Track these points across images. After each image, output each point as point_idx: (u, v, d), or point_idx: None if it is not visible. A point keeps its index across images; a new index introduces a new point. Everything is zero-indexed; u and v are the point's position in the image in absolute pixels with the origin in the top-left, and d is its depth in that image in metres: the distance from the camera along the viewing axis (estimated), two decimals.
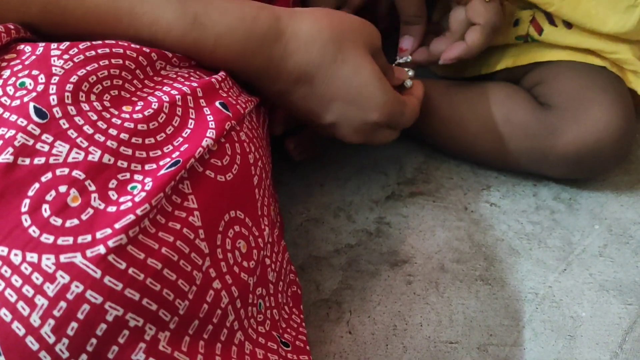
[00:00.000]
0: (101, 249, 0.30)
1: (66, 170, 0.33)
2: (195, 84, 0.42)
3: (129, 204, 0.33)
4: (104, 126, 0.36)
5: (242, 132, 0.43)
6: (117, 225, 0.31)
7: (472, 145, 0.61)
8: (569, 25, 0.59)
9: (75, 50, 0.39)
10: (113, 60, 0.40)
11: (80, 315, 0.29)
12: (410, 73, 0.56)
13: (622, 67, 0.59)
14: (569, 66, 0.59)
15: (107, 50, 0.40)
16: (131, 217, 0.32)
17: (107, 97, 0.38)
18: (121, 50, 0.41)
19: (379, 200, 0.61)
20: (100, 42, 0.40)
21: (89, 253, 0.30)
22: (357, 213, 0.59)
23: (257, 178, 0.43)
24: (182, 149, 0.37)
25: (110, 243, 0.30)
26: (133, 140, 0.36)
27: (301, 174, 0.64)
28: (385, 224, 0.58)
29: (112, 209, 0.33)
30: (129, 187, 0.34)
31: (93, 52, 0.40)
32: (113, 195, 0.34)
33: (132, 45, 0.42)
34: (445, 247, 0.55)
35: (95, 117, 0.36)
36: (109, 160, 0.35)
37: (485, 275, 0.53)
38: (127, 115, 0.37)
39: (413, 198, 0.61)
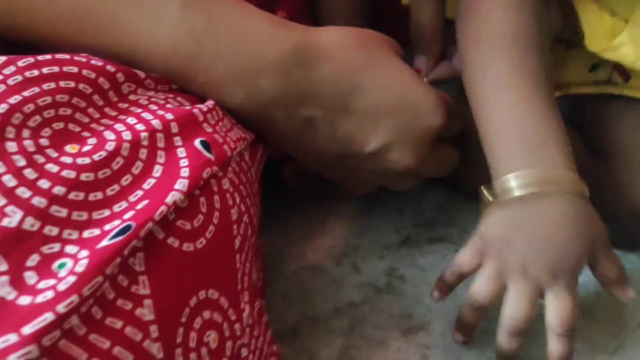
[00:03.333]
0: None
1: None
2: (170, 116, 0.32)
3: (50, 293, 0.24)
4: (33, 175, 0.27)
5: (226, 178, 0.33)
6: (26, 330, 0.22)
7: None
8: None
9: (13, 68, 0.30)
10: (62, 83, 0.31)
11: None
12: None
13: None
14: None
15: (56, 69, 0.31)
16: (49, 317, 0.23)
17: (46, 132, 0.29)
18: (75, 69, 0.32)
19: (391, 245, 0.52)
20: (48, 56, 0.31)
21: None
22: (364, 261, 0.50)
23: (239, 239, 0.33)
24: (139, 206, 0.28)
25: (12, 358, 0.21)
26: (72, 195, 0.27)
27: (299, 207, 0.55)
28: (398, 277, 0.49)
29: (24, 300, 0.24)
30: (55, 265, 0.25)
31: (36, 72, 0.30)
32: (31, 278, 0.24)
33: (92, 62, 0.33)
34: None
35: (22, 163, 0.27)
36: (32, 225, 0.25)
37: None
38: (70, 160, 0.28)
39: (432, 245, 0.52)
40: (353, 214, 0.55)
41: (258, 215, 0.39)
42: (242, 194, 0.35)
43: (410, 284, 0.48)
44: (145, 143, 0.30)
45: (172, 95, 0.36)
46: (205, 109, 0.35)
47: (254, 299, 0.36)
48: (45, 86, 0.30)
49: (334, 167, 0.46)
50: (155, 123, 0.32)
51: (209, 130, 0.34)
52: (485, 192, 0.41)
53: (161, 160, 0.31)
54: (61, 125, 0.30)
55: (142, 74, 0.35)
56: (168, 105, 0.34)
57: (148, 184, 0.29)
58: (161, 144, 0.31)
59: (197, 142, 0.32)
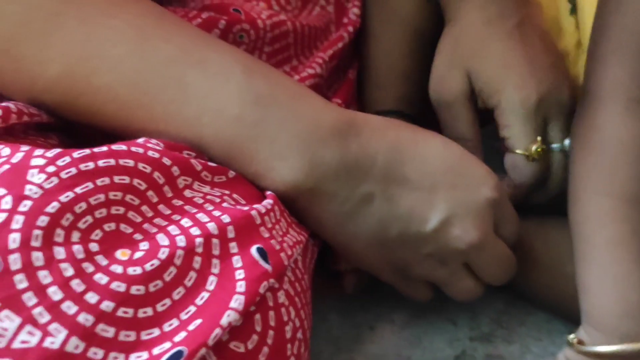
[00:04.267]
0: None
1: None
2: (227, 218, 0.30)
3: None
4: (81, 287, 0.24)
5: (282, 290, 0.31)
6: None
7: (575, 298, 0.47)
8: None
9: (67, 160, 0.28)
10: (116, 179, 0.29)
11: None
12: None
13: None
14: None
15: (112, 162, 0.29)
16: None
17: (97, 234, 0.27)
18: (131, 163, 0.30)
19: (444, 359, 0.47)
20: (105, 148, 0.29)
21: None
22: None
23: (293, 359, 0.30)
24: (191, 326, 0.25)
25: None
26: (120, 312, 0.24)
27: (346, 310, 0.52)
28: None
29: None
30: None
31: (91, 165, 0.28)
32: None
33: (149, 154, 0.31)
34: None
35: (70, 272, 0.24)
36: (76, 347, 0.23)
37: None
38: (121, 269, 0.25)
39: None
40: (404, 321, 0.51)
41: (310, 327, 0.36)
42: (296, 307, 0.32)
43: None
44: (199, 250, 0.28)
45: (228, 192, 0.34)
46: (263, 210, 0.33)
47: None
48: (99, 182, 0.28)
49: (387, 257, 0.42)
50: (211, 227, 0.29)
51: (266, 235, 0.32)
52: (570, 339, 0.40)
53: (215, 270, 0.28)
54: (113, 226, 0.28)
55: (198, 166, 0.33)
56: (224, 205, 0.32)
57: (201, 299, 0.27)
58: (216, 251, 0.29)
59: (253, 250, 0.30)
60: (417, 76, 0.60)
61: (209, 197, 0.32)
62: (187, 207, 0.31)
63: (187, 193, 0.32)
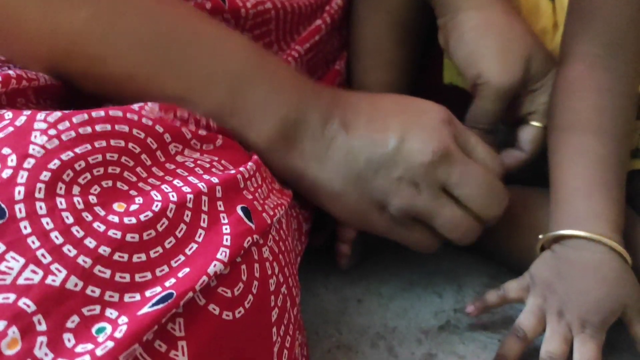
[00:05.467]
0: None
1: (11, 297, 0.24)
2: (215, 180, 0.32)
3: (87, 358, 0.23)
4: (80, 233, 0.26)
5: (266, 246, 0.33)
6: None
7: None
8: None
9: (67, 124, 0.30)
10: (112, 142, 0.31)
11: None
12: None
13: None
14: None
15: (109, 127, 0.31)
16: None
17: (95, 189, 0.29)
18: (126, 128, 0.32)
19: (429, 330, 0.49)
20: (102, 112, 0.32)
21: None
22: (401, 345, 0.48)
23: (277, 311, 0.32)
24: (180, 274, 0.27)
25: None
26: (116, 256, 0.26)
27: (335, 284, 0.54)
28: None
29: None
30: (94, 329, 0.24)
31: (89, 129, 0.31)
32: (69, 340, 0.24)
33: (143, 121, 0.33)
34: None
35: (70, 220, 0.27)
36: (75, 285, 0.25)
37: None
38: (117, 219, 0.27)
39: (473, 332, 0.49)
40: (391, 294, 0.53)
41: (297, 286, 0.38)
42: (280, 264, 0.34)
43: None
44: (190, 205, 0.30)
45: (216, 159, 0.36)
46: (247, 174, 0.35)
47: None
48: (97, 144, 0.30)
49: (366, 192, 0.44)
50: (201, 186, 0.31)
51: (249, 197, 0.34)
52: (540, 237, 0.47)
53: (204, 224, 0.30)
54: (110, 183, 0.30)
55: (188, 134, 0.35)
56: (213, 170, 0.35)
57: (190, 249, 0.29)
58: (205, 208, 0.31)
59: (239, 209, 0.32)
60: (402, 64, 0.63)
61: (199, 162, 0.34)
62: (179, 171, 0.33)
63: (179, 158, 0.34)
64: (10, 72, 0.35)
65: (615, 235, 0.44)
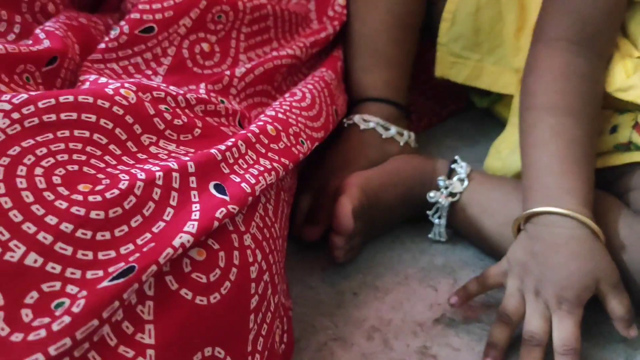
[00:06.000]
0: None
1: None
2: (187, 158, 0.32)
3: (43, 332, 0.22)
4: (41, 211, 0.26)
5: (248, 233, 0.32)
6: None
7: None
8: None
9: (32, 108, 0.30)
10: (76, 132, 0.30)
11: None
12: None
13: None
14: None
15: (74, 115, 0.31)
16: (39, 358, 0.21)
17: (60, 171, 0.28)
18: (93, 118, 0.31)
19: (424, 322, 0.48)
20: (70, 98, 0.31)
21: None
22: (397, 337, 0.47)
23: (256, 299, 0.31)
24: (145, 249, 0.27)
25: None
26: (79, 233, 0.26)
27: (332, 278, 0.53)
28: (431, 356, 0.45)
29: (17, 337, 0.22)
30: (53, 304, 0.24)
31: (53, 117, 0.30)
32: (26, 315, 0.23)
33: (114, 110, 0.32)
34: None
35: (31, 199, 0.26)
36: (35, 262, 0.24)
37: None
38: (81, 197, 0.27)
39: (468, 325, 0.48)
40: (387, 287, 0.52)
41: (282, 273, 0.37)
42: (264, 251, 0.33)
43: None
44: (159, 182, 0.30)
45: (192, 150, 0.35)
46: (223, 147, 0.34)
47: None
48: (59, 133, 0.30)
49: None
50: (171, 164, 0.31)
51: (227, 171, 0.33)
52: (516, 219, 0.48)
53: (173, 202, 0.30)
54: (76, 167, 0.29)
55: (161, 125, 0.34)
56: (190, 154, 0.34)
57: (157, 228, 0.28)
58: (176, 184, 0.30)
59: (211, 187, 0.31)
60: (400, 63, 0.63)
61: (173, 154, 0.34)
62: (150, 160, 0.32)
63: (153, 149, 0.34)
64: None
65: (586, 210, 0.45)
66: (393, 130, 0.59)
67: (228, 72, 0.45)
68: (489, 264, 0.54)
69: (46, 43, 0.38)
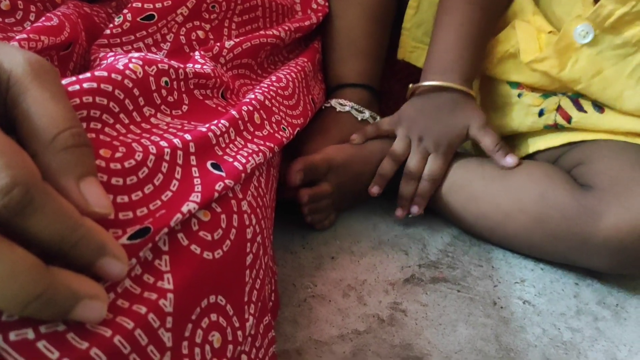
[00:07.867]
0: (29, 334, 0.24)
1: None
2: (188, 136, 0.36)
3: None
4: None
5: (245, 200, 0.37)
6: None
7: (504, 225, 0.55)
8: (600, 108, 0.57)
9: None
10: (97, 99, 0.34)
11: None
12: None
13: None
14: (609, 145, 0.56)
15: (95, 85, 0.35)
16: None
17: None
18: (110, 88, 0.35)
19: (395, 282, 0.54)
20: (88, 75, 0.35)
21: (12, 335, 0.24)
22: (370, 295, 0.52)
23: (251, 257, 0.36)
24: (157, 214, 0.31)
25: (43, 329, 0.24)
26: None
27: (311, 244, 0.58)
28: (401, 311, 0.51)
29: None
30: None
31: (77, 87, 0.34)
32: None
33: (125, 82, 0.36)
34: (467, 347, 0.48)
35: None
36: None
37: None
38: (103, 163, 0.31)
39: (435, 284, 0.54)
40: (362, 252, 0.57)
41: (270, 238, 0.42)
42: (258, 217, 0.38)
43: (412, 317, 0.50)
44: (167, 158, 0.34)
45: (186, 122, 0.39)
46: (218, 132, 0.38)
47: (263, 314, 0.39)
48: (85, 99, 0.34)
49: None
50: (176, 142, 0.35)
51: (219, 153, 0.38)
52: (410, 86, 0.62)
53: (178, 176, 0.34)
54: (93, 135, 0.33)
55: (158, 100, 0.38)
56: (186, 128, 0.38)
57: (166, 196, 0.33)
58: (180, 161, 0.35)
59: (208, 164, 0.36)
60: (374, 53, 0.68)
61: (171, 125, 0.38)
62: (154, 130, 0.37)
63: (153, 120, 0.38)
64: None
65: (465, 83, 0.59)
66: (367, 113, 0.64)
67: (218, 44, 0.49)
68: (455, 232, 0.59)
69: (67, 30, 0.42)
